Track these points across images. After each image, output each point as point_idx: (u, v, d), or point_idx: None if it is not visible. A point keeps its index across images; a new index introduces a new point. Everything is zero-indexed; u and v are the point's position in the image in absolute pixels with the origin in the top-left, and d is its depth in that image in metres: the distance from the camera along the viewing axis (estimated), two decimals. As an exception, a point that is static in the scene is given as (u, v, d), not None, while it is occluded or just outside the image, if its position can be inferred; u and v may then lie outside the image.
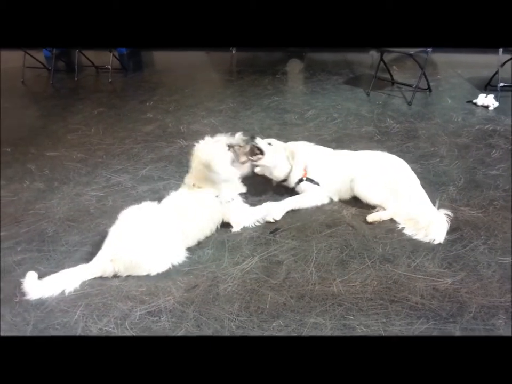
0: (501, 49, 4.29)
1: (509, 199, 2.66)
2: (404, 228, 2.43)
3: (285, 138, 3.63)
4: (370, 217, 2.51)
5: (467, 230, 2.39)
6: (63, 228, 2.57)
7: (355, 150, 2.87)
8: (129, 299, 2.04)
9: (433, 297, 1.98)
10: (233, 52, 6.66)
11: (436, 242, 2.30)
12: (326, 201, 2.70)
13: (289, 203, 2.62)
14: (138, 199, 2.79)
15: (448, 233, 2.37)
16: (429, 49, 4.35)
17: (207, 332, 1.85)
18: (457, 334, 1.79)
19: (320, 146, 2.87)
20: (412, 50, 4.27)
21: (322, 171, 2.70)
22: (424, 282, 2.07)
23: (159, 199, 2.76)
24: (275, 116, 4.17)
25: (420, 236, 2.35)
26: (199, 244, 2.38)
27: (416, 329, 1.82)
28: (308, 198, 2.66)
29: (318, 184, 2.67)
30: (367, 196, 2.59)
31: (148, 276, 2.16)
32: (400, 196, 2.51)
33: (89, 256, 2.30)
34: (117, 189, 2.95)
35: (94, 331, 1.87)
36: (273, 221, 2.54)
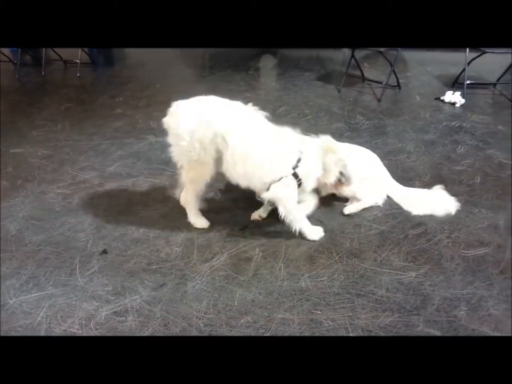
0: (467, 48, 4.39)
1: (473, 194, 2.74)
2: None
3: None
4: (347, 210, 2.56)
5: (431, 224, 2.45)
6: (26, 226, 2.50)
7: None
8: (94, 299, 2.00)
9: (398, 290, 2.02)
10: (206, 47, 6.61)
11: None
12: None
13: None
14: (105, 197, 2.76)
15: (413, 227, 2.43)
16: (398, 46, 4.42)
17: (175, 330, 1.83)
18: (421, 326, 1.83)
19: None
20: (382, 48, 4.33)
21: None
22: (389, 276, 2.11)
23: (127, 197, 2.76)
24: (247, 112, 4.15)
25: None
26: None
27: (381, 322, 1.85)
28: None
29: None
30: (348, 195, 2.63)
31: (114, 275, 2.13)
32: (373, 184, 2.62)
33: (54, 256, 2.26)
34: (83, 186, 2.88)
35: (57, 332, 1.83)
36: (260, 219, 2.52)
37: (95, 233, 2.44)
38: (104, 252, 2.30)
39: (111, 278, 2.12)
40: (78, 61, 5.37)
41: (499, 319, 1.86)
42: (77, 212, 2.62)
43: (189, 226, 2.47)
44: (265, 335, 1.80)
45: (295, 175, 2.22)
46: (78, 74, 5.31)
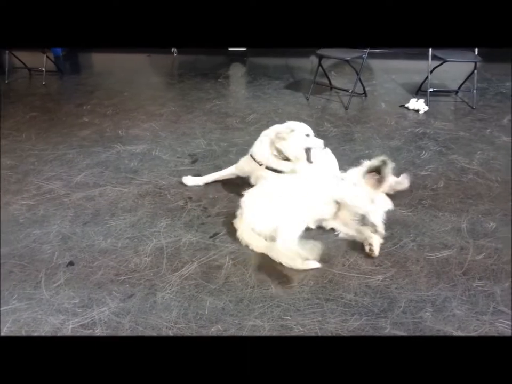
0: (430, 56, 4.55)
1: (437, 198, 2.83)
2: None
3: (227, 142, 3.66)
4: None
5: (397, 228, 2.51)
6: (-11, 239, 2.42)
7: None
8: (60, 312, 1.95)
9: (365, 294, 2.06)
10: (175, 54, 6.59)
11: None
12: None
13: None
14: (71, 207, 2.70)
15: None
16: (364, 55, 4.53)
17: (144, 341, 1.81)
18: (388, 328, 1.87)
19: None
20: (348, 56, 4.43)
21: None
22: (357, 280, 2.15)
23: (95, 207, 2.71)
24: (217, 119, 4.17)
25: None
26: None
27: (350, 326, 1.88)
28: None
29: None
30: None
31: (81, 287, 2.09)
32: None
33: (18, 269, 2.20)
34: (48, 196, 2.82)
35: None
36: None
37: (61, 244, 2.38)
38: (71, 263, 2.25)
39: (78, 290, 2.07)
40: (43, 69, 5.25)
41: (462, 319, 1.93)
42: (42, 223, 2.55)
43: (158, 236, 2.45)
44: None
45: None
46: (44, 82, 5.19)
